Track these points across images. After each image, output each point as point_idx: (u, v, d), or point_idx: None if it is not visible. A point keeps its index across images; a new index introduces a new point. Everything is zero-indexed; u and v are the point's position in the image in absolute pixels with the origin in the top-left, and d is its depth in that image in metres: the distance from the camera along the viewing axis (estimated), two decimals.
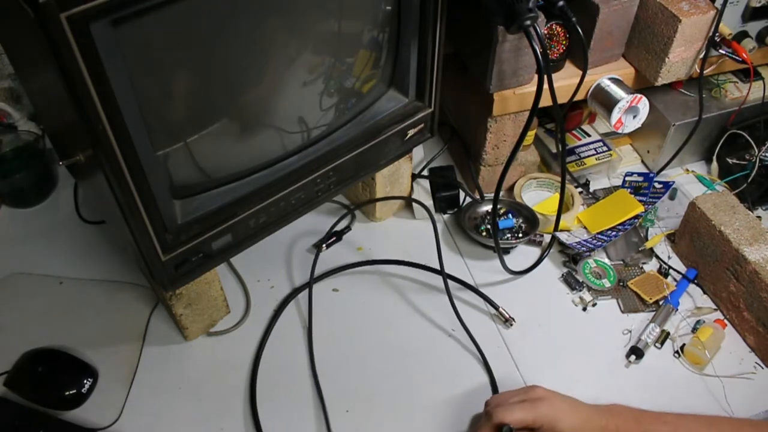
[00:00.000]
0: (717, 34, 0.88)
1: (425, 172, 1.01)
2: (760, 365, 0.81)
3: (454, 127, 1.08)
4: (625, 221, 0.94)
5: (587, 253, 0.91)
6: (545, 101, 0.78)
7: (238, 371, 0.80)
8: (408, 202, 0.98)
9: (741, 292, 0.82)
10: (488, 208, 0.97)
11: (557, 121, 0.92)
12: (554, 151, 1.03)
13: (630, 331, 0.85)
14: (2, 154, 1.01)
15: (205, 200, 0.67)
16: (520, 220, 0.96)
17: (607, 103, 0.90)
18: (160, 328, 0.84)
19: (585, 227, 0.96)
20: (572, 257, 0.92)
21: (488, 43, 0.82)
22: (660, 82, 0.91)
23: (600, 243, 0.92)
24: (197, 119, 0.63)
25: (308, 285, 0.88)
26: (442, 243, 0.93)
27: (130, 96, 0.53)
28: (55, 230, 0.97)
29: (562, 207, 0.89)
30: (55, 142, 0.89)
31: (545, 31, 0.85)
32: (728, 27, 0.88)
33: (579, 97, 0.90)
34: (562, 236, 0.93)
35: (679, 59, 0.89)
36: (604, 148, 1.05)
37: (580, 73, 0.87)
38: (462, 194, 0.98)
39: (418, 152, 1.03)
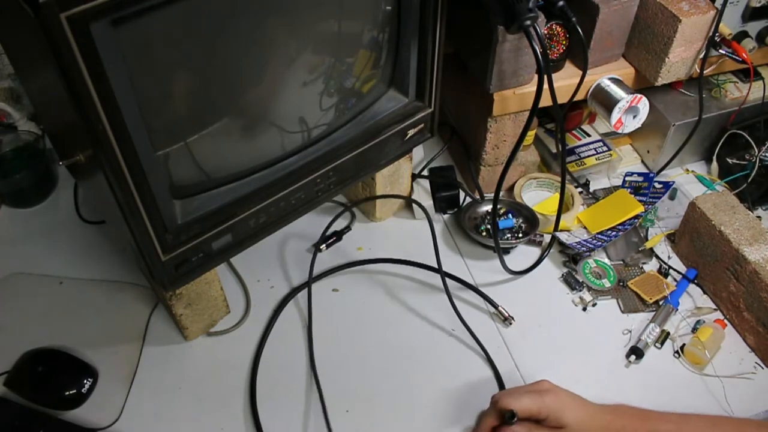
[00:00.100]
0: (717, 34, 0.88)
1: (425, 172, 1.01)
2: (760, 365, 0.81)
3: (454, 127, 1.08)
4: (625, 221, 0.94)
5: (587, 253, 0.91)
6: (545, 101, 0.78)
7: (238, 371, 0.80)
8: (408, 201, 0.98)
9: (741, 292, 0.82)
10: (488, 208, 0.97)
11: (557, 121, 0.92)
12: (554, 151, 1.03)
13: (630, 331, 0.85)
14: (2, 154, 1.01)
15: (205, 200, 0.67)
16: (520, 220, 0.96)
17: (607, 103, 0.90)
18: (160, 328, 0.84)
19: (585, 227, 0.96)
20: (572, 257, 0.92)
21: (488, 43, 0.82)
22: (660, 82, 0.91)
23: (600, 243, 0.92)
24: (197, 119, 0.63)
25: (307, 284, 0.88)
26: (442, 243, 0.93)
27: (130, 96, 0.53)
28: (55, 230, 0.97)
29: (562, 207, 0.89)
30: (55, 142, 0.89)
31: (545, 31, 0.85)
32: (728, 27, 0.88)
33: (579, 97, 0.90)
34: (562, 236, 0.93)
35: (679, 59, 0.89)
36: (604, 148, 1.05)
37: (580, 73, 0.87)
38: (462, 194, 0.98)
39: (418, 152, 1.03)
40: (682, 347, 0.82)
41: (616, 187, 1.02)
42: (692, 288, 0.89)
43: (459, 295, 0.88)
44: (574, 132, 1.08)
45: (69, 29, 0.46)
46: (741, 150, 0.99)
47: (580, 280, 0.90)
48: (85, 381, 0.77)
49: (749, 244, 0.81)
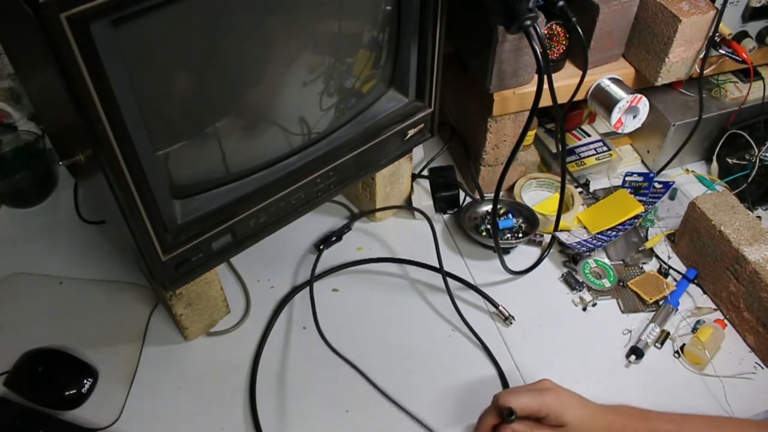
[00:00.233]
0: (717, 34, 0.88)
1: (425, 172, 1.01)
2: (760, 365, 0.81)
3: (454, 127, 1.08)
4: (625, 221, 0.94)
5: (587, 253, 0.91)
6: (545, 101, 0.78)
7: (238, 371, 0.80)
8: (408, 202, 0.98)
9: (741, 292, 0.82)
10: (488, 208, 0.97)
11: (557, 121, 0.92)
12: (554, 151, 1.03)
13: (630, 331, 0.85)
14: (2, 154, 1.01)
15: (205, 200, 0.67)
16: (520, 220, 0.96)
17: (607, 103, 0.90)
18: (160, 328, 0.84)
19: (585, 227, 0.96)
20: (572, 257, 0.92)
21: (488, 43, 0.82)
22: (660, 82, 0.91)
23: (600, 243, 0.92)
24: (197, 119, 0.63)
25: (309, 283, 0.88)
26: (442, 243, 0.93)
27: (130, 96, 0.53)
28: (55, 230, 0.97)
29: (562, 207, 0.89)
30: (55, 142, 0.89)
31: (545, 31, 0.85)
32: (728, 27, 0.88)
33: (579, 97, 0.90)
34: (562, 236, 0.93)
35: (679, 59, 0.89)
36: (604, 148, 1.05)
37: (580, 73, 0.87)
38: (462, 194, 0.99)
39: (418, 152, 1.03)
40: (682, 347, 0.82)
41: (616, 187, 1.02)
42: (692, 288, 0.89)
43: (459, 294, 0.88)
44: (574, 132, 1.08)
45: (69, 29, 0.46)
46: (741, 150, 0.99)
47: (580, 280, 0.90)
48: (85, 381, 0.77)
49: (749, 244, 0.81)
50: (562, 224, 0.92)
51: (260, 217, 0.73)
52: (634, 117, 0.92)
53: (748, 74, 0.98)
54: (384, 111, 0.80)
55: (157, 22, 0.52)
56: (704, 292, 0.89)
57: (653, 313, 0.86)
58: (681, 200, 1.00)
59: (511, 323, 0.85)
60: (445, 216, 0.99)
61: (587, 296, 0.89)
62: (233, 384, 0.79)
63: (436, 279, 0.89)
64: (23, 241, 0.96)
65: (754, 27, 0.91)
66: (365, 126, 0.78)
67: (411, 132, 0.84)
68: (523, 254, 0.94)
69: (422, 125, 0.85)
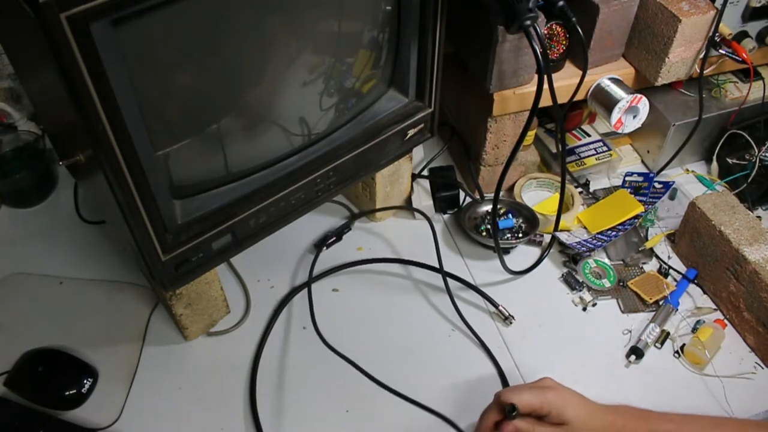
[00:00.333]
0: (717, 34, 0.88)
1: (425, 172, 1.01)
2: (760, 365, 0.81)
3: (454, 127, 1.08)
4: (625, 221, 0.94)
5: (587, 253, 0.91)
6: (545, 101, 0.78)
7: (238, 371, 0.80)
8: (408, 202, 0.99)
9: (741, 292, 0.82)
10: (488, 208, 0.97)
11: (557, 121, 0.92)
12: (554, 151, 1.03)
13: (630, 331, 0.85)
14: (2, 154, 1.01)
15: (205, 200, 0.67)
16: (520, 220, 0.96)
17: (607, 103, 0.90)
18: (160, 328, 0.84)
19: (585, 227, 0.96)
20: (572, 257, 0.92)
21: (488, 43, 0.82)
22: (660, 82, 0.91)
23: (600, 243, 0.92)
24: (197, 119, 0.63)
25: (307, 284, 0.88)
26: (442, 243, 0.93)
27: (130, 96, 0.53)
28: (55, 230, 0.97)
29: (562, 207, 0.89)
30: (55, 142, 0.89)
31: (545, 31, 0.85)
32: (728, 27, 0.88)
33: (579, 97, 0.90)
34: (562, 236, 0.93)
35: (679, 59, 0.89)
36: (604, 148, 1.05)
37: (580, 73, 0.87)
38: (462, 194, 0.99)
39: (418, 152, 1.03)
40: (682, 347, 0.82)
41: (616, 187, 1.02)
42: (692, 288, 0.89)
43: (459, 294, 0.88)
44: (574, 132, 1.08)
45: (69, 29, 0.46)
46: (741, 150, 0.99)
47: (580, 280, 0.90)
48: (85, 381, 0.77)
49: (749, 244, 0.81)
50: (562, 224, 0.92)
51: (260, 217, 0.73)
52: (634, 117, 0.92)
53: (748, 74, 0.98)
54: (384, 111, 0.80)
55: (157, 22, 0.52)
56: (704, 292, 0.89)
57: (653, 313, 0.86)
58: (681, 200, 1.00)
59: (511, 323, 0.85)
60: (445, 216, 0.99)
61: (587, 296, 0.89)
62: (233, 384, 0.79)
63: (436, 279, 0.89)
64: (23, 241, 0.96)
65: (754, 27, 0.91)
66: (365, 126, 0.78)
67: (411, 132, 0.84)
68: (523, 254, 0.94)
69: (422, 125, 0.85)
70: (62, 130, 0.70)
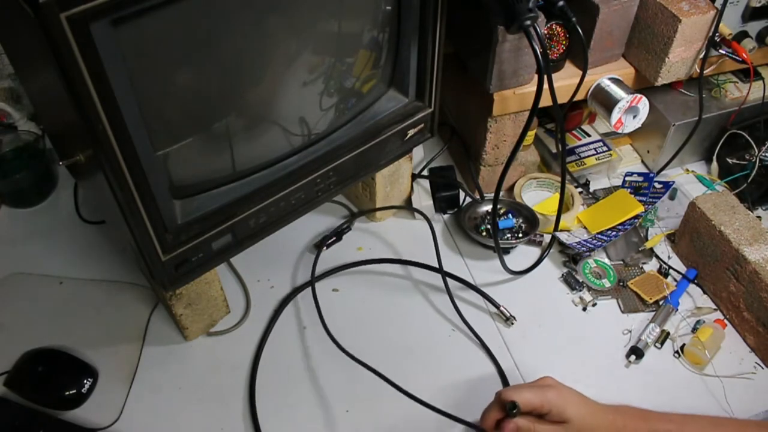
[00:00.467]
0: (717, 34, 0.88)
1: (425, 172, 1.01)
2: (760, 365, 0.81)
3: (454, 127, 1.08)
4: (625, 221, 0.94)
5: (587, 253, 0.91)
6: (545, 101, 0.78)
7: (238, 371, 0.80)
8: (408, 202, 0.99)
9: (741, 292, 0.82)
10: (488, 208, 0.97)
11: (557, 121, 0.92)
12: (554, 151, 1.03)
13: (630, 331, 0.85)
14: (2, 154, 1.01)
15: (205, 200, 0.67)
16: (520, 220, 0.96)
17: (607, 103, 0.90)
18: (160, 328, 0.84)
19: (585, 227, 0.96)
20: (572, 257, 0.92)
21: (488, 43, 0.82)
22: (660, 82, 0.91)
23: (600, 243, 0.92)
24: (197, 119, 0.63)
25: (311, 283, 0.88)
26: (442, 243, 0.93)
27: (130, 96, 0.53)
28: (55, 230, 0.97)
29: (562, 207, 0.89)
30: (55, 142, 0.89)
31: (545, 31, 0.85)
32: (728, 27, 0.88)
33: (579, 97, 0.90)
34: (562, 236, 0.93)
35: (679, 59, 0.89)
36: (604, 148, 1.05)
37: (580, 73, 0.87)
38: (462, 194, 0.99)
39: (418, 152, 1.03)
40: (682, 347, 0.82)
41: (616, 187, 1.02)
42: (692, 288, 0.89)
43: (459, 295, 0.88)
44: (574, 132, 1.08)
45: (69, 29, 0.46)
46: (741, 150, 0.99)
47: (580, 280, 0.90)
48: (85, 381, 0.77)
49: (749, 244, 0.81)
50: (562, 224, 0.92)
51: (260, 217, 0.73)
52: (634, 117, 0.92)
53: (748, 74, 0.98)
54: (384, 111, 0.80)
55: (157, 22, 0.52)
56: (704, 292, 0.89)
57: (653, 313, 0.86)
58: (681, 200, 1.00)
59: (512, 324, 0.85)
60: (445, 216, 0.99)
61: (587, 296, 0.89)
62: (233, 384, 0.79)
63: (436, 279, 0.89)
64: (23, 241, 0.96)
65: (754, 27, 0.91)
66: (365, 126, 0.78)
67: (411, 132, 0.84)
68: (523, 254, 0.94)
69: (422, 125, 0.85)
70: (62, 130, 0.70)
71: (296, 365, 0.81)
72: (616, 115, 0.90)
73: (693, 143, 1.00)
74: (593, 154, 1.04)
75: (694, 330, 0.84)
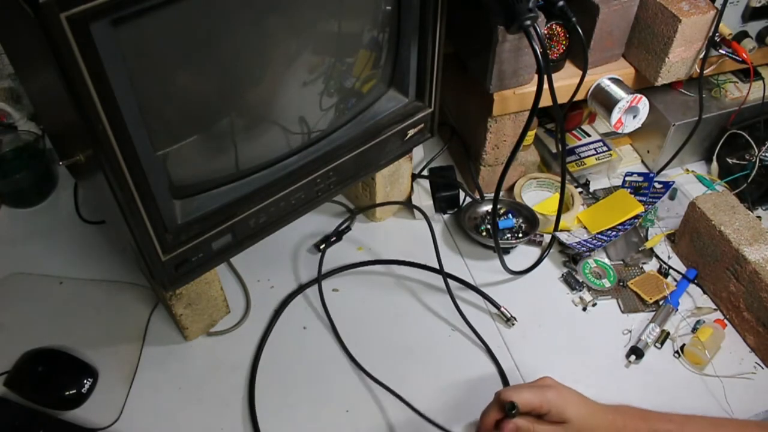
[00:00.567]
0: (717, 34, 0.88)
1: (425, 172, 1.01)
2: (760, 365, 0.81)
3: (454, 127, 1.08)
4: (625, 221, 0.94)
5: (587, 253, 0.91)
6: (545, 101, 0.78)
7: (238, 371, 0.80)
8: (408, 201, 0.99)
9: (741, 292, 0.82)
10: (488, 208, 0.97)
11: (557, 121, 0.92)
12: (554, 151, 1.03)
13: (630, 331, 0.85)
14: (2, 154, 1.01)
15: (205, 200, 0.67)
16: (520, 220, 0.96)
17: (607, 103, 0.90)
18: (160, 328, 0.84)
19: (585, 227, 0.96)
20: (572, 257, 0.92)
21: (488, 43, 0.82)
22: (660, 82, 0.91)
23: (600, 243, 0.92)
24: (197, 119, 0.63)
25: (317, 281, 0.88)
26: (442, 243, 0.93)
27: (130, 96, 0.53)
28: (55, 230, 0.97)
29: (562, 207, 0.89)
30: (55, 142, 0.89)
31: (545, 31, 0.85)
32: (728, 27, 0.88)
33: (579, 97, 0.90)
34: (562, 236, 0.93)
35: (679, 59, 0.89)
36: (604, 148, 1.05)
37: (580, 73, 0.87)
38: (462, 194, 0.99)
39: (418, 152, 1.03)
40: (682, 347, 0.82)
41: (616, 187, 1.02)
42: (692, 288, 0.89)
43: (459, 295, 0.88)
44: (574, 132, 1.08)
45: (69, 29, 0.46)
46: (741, 150, 0.99)
47: (580, 280, 0.90)
48: (85, 381, 0.77)
49: (749, 244, 0.81)
50: (562, 224, 0.92)
51: (260, 217, 0.73)
52: (634, 117, 0.92)
53: (748, 74, 0.98)
54: (384, 111, 0.80)
55: (158, 22, 0.52)
56: (704, 292, 0.89)
57: (653, 313, 0.86)
58: (681, 200, 1.00)
59: (513, 324, 0.85)
60: (445, 216, 0.99)
61: (587, 296, 0.89)
62: (233, 384, 0.79)
63: (436, 279, 0.89)
64: (23, 241, 0.96)
65: (754, 27, 0.91)
66: (365, 126, 0.78)
67: (411, 132, 0.84)
68: (523, 254, 0.94)
69: (422, 125, 0.85)
70: (62, 130, 0.70)
71: (296, 365, 0.81)
72: (616, 115, 0.90)
73: (693, 143, 1.00)
74: (593, 154, 1.04)
75: (694, 330, 0.84)
